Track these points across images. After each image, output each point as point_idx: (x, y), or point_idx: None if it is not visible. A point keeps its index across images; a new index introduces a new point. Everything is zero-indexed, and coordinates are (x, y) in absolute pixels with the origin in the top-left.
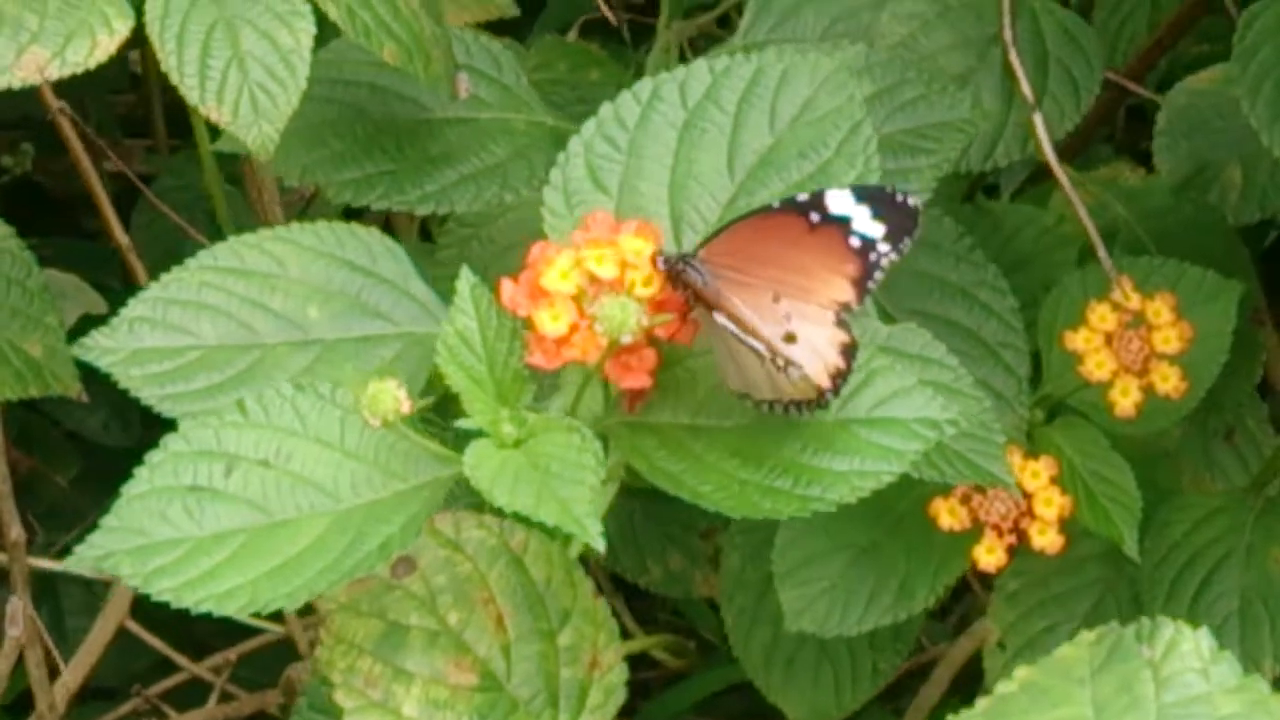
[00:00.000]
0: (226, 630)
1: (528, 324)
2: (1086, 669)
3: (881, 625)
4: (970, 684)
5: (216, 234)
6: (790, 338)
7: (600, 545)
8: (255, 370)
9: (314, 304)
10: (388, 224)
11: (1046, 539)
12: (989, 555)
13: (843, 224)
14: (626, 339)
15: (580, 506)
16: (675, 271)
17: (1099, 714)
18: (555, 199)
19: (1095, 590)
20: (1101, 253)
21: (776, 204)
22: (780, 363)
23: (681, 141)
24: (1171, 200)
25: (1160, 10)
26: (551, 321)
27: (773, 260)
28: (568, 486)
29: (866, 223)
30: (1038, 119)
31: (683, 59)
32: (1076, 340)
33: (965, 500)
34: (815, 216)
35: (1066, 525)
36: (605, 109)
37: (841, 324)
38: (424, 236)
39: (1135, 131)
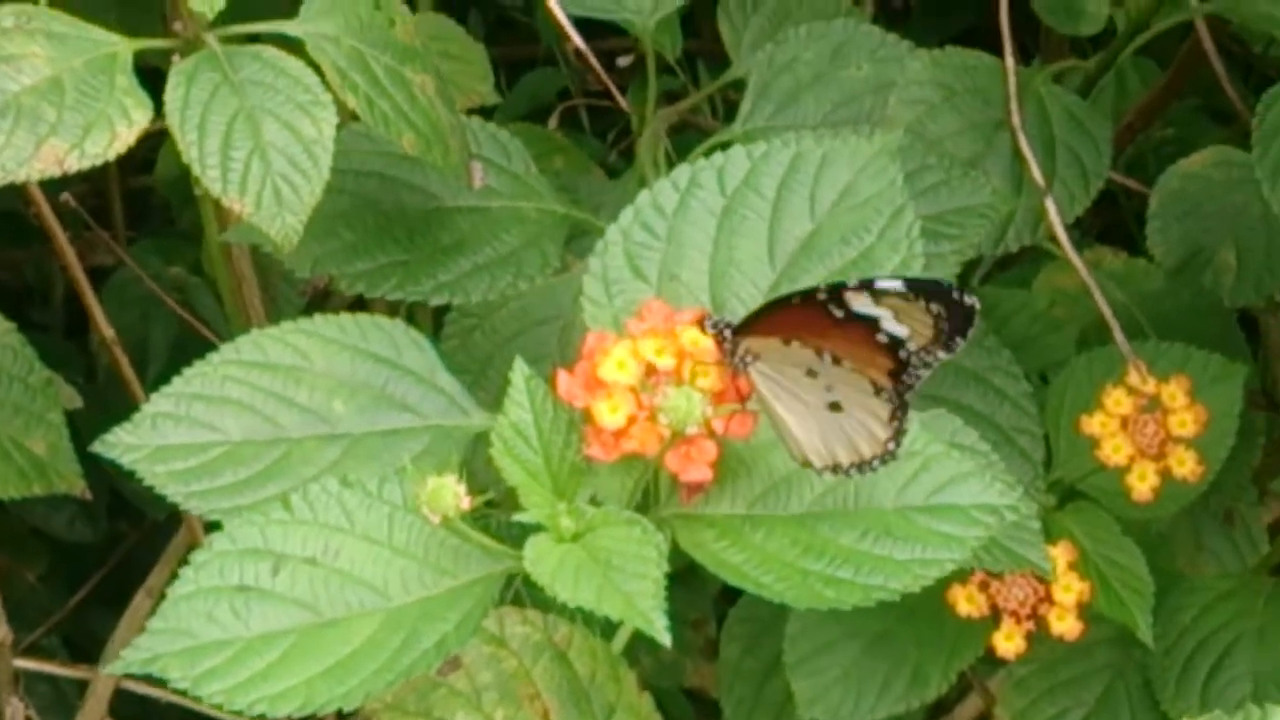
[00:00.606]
0: None
1: (585, 416)
2: None
3: (894, 714)
4: None
5: (185, 325)
6: (835, 407)
7: (666, 640)
8: (282, 465)
9: (339, 397)
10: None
11: (1066, 625)
12: (1008, 642)
13: (869, 322)
14: (692, 430)
15: (645, 601)
16: (723, 336)
17: None
18: (595, 288)
19: (1105, 675)
20: (1119, 336)
21: (796, 298)
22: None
23: (721, 228)
24: (1167, 284)
25: (1127, 97)
26: (610, 413)
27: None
28: (631, 581)
29: (892, 324)
30: (1050, 204)
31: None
32: (1092, 425)
33: (984, 587)
34: (838, 312)
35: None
36: (643, 196)
37: (881, 393)
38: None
39: (1099, 214)
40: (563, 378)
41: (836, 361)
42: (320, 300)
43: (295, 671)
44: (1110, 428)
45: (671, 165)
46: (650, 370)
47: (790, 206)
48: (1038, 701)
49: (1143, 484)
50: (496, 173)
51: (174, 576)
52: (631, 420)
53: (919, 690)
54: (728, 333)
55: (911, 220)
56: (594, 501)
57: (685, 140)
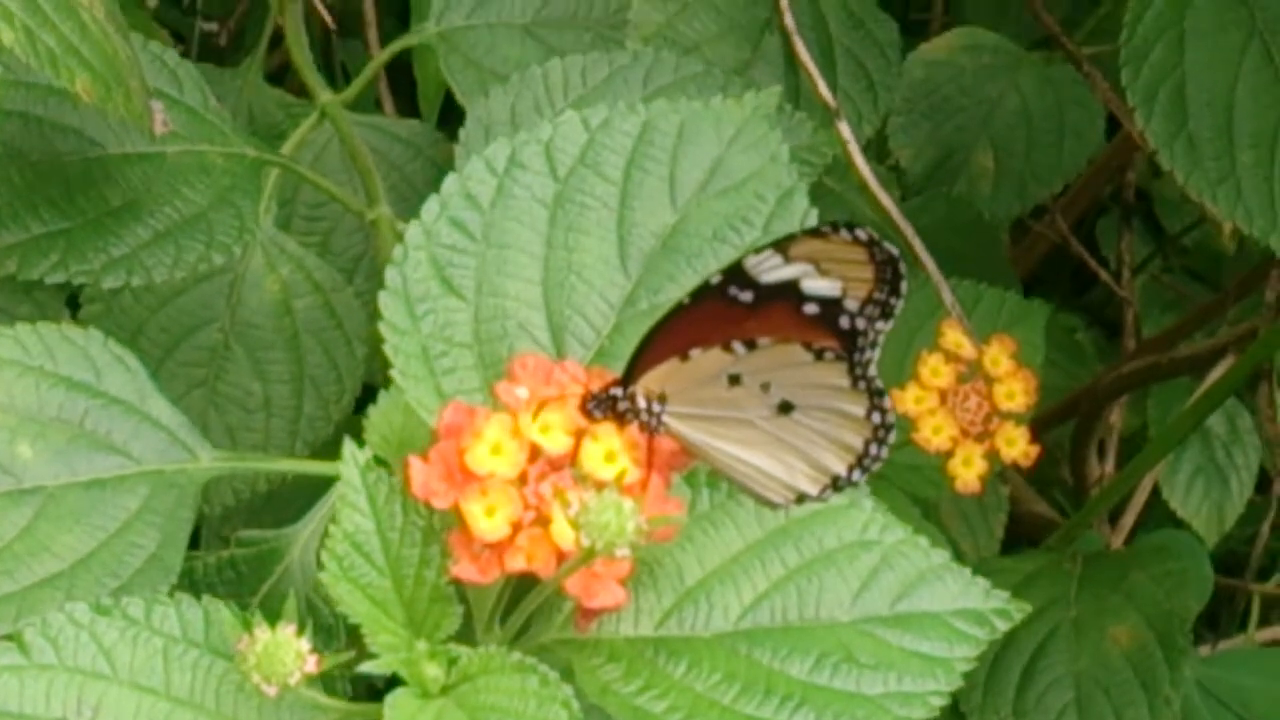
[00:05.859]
0: None
1: (452, 520)
2: None
3: None
4: None
5: None
6: (785, 407)
7: None
8: None
9: (25, 439)
10: None
11: None
12: None
13: (787, 292)
14: (621, 552)
15: None
16: (615, 402)
17: None
18: (394, 308)
19: None
20: (939, 282)
21: (687, 299)
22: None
23: (554, 224)
24: (923, 196)
25: None
26: (486, 517)
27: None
28: None
29: (815, 282)
30: (844, 127)
31: None
32: (906, 401)
33: None
34: (746, 296)
35: None
36: (449, 183)
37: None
38: None
39: None
40: (416, 468)
41: (751, 345)
42: None
43: None
44: (928, 404)
45: (349, 79)
46: (535, 454)
47: (644, 192)
48: None
49: (969, 471)
50: (168, 107)
51: None
52: (516, 527)
53: None
54: (618, 393)
55: (805, 206)
56: (465, 638)
57: (354, 47)
